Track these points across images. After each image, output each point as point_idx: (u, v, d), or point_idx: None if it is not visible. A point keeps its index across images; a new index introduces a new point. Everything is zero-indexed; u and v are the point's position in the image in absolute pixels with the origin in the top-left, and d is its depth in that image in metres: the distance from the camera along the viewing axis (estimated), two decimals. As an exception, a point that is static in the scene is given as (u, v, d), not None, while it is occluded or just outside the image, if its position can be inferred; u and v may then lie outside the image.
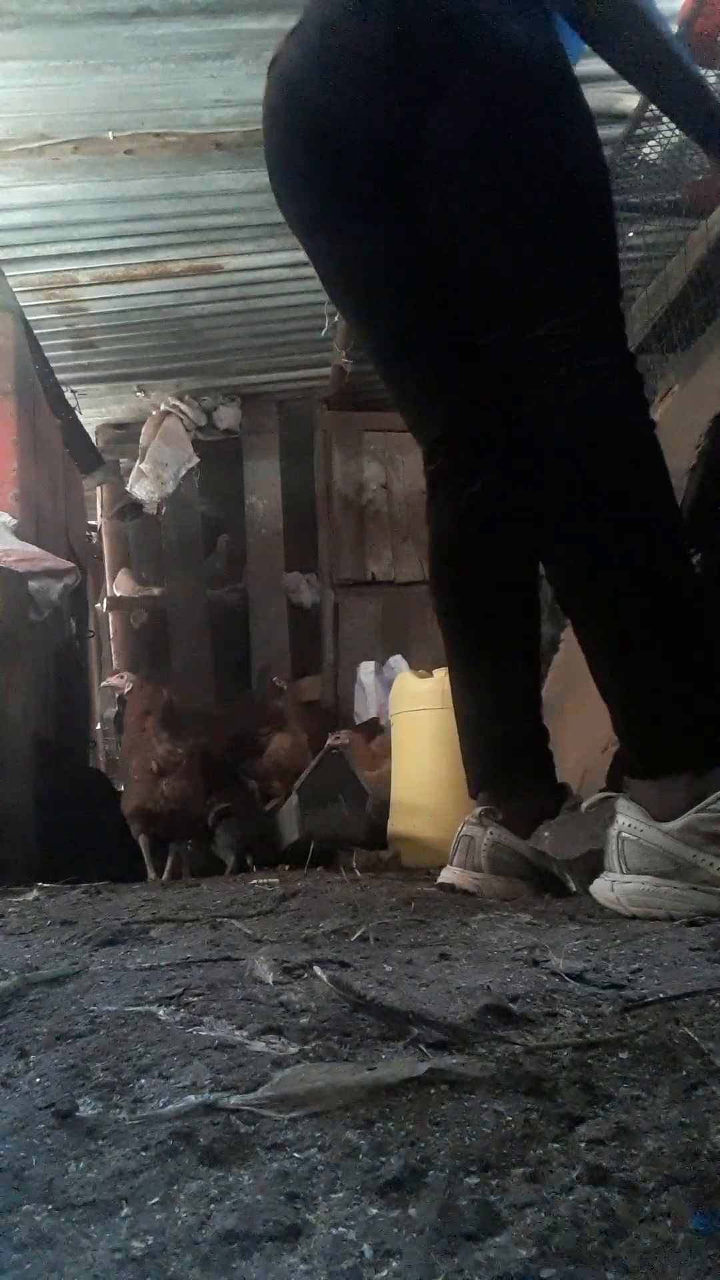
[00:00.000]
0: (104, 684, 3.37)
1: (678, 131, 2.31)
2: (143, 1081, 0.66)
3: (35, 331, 4.31)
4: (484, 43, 1.35)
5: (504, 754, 1.63)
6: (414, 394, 1.66)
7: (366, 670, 4.59)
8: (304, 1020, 0.77)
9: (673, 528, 1.35)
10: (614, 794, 1.41)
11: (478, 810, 1.61)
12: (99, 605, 5.72)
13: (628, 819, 1.27)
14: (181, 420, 5.17)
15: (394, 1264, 0.43)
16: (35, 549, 3.59)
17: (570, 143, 1.37)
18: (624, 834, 1.27)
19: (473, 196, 1.38)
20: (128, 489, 5.27)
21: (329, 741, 3.13)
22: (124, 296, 4.17)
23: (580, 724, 2.27)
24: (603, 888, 1.28)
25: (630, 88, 1.82)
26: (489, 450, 1.57)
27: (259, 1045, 0.72)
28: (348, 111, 1.43)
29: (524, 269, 1.36)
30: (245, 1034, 0.75)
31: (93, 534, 5.88)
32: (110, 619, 5.66)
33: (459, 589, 1.64)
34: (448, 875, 1.61)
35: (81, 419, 5.09)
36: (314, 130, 1.47)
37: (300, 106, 1.47)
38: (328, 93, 1.44)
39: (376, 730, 3.70)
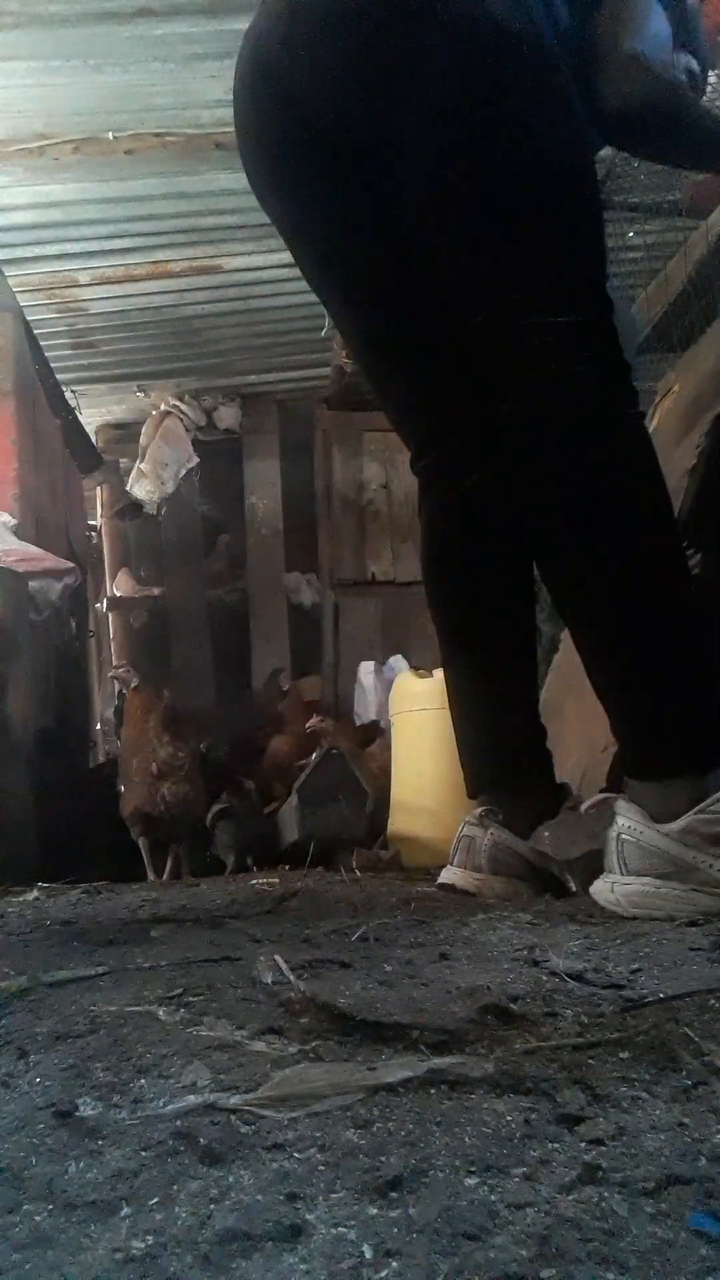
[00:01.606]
0: (111, 674, 3.39)
1: None
2: (143, 1081, 0.66)
3: (35, 331, 4.31)
4: (462, 17, 1.29)
5: (502, 753, 1.63)
6: (400, 392, 1.65)
7: (366, 670, 4.59)
8: (304, 1020, 0.77)
9: (667, 530, 1.34)
10: (613, 794, 1.41)
11: (478, 811, 1.61)
12: (99, 605, 5.72)
13: (627, 820, 1.27)
14: (181, 420, 5.17)
15: (394, 1264, 0.43)
16: (35, 549, 3.59)
17: (555, 130, 1.32)
18: (623, 835, 1.27)
19: (453, 189, 1.33)
20: (128, 489, 5.27)
21: (310, 723, 3.17)
22: (124, 296, 4.17)
23: (580, 724, 2.27)
24: (602, 889, 1.28)
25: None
26: (478, 447, 1.55)
27: (259, 1045, 0.72)
28: (314, 85, 1.37)
29: (510, 266, 1.33)
30: (245, 1034, 0.75)
31: (93, 534, 5.88)
32: (110, 619, 5.66)
33: (452, 586, 1.64)
34: (448, 876, 1.61)
35: (81, 419, 5.09)
36: (280, 105, 1.40)
37: (267, 79, 1.40)
38: (294, 64, 1.37)
39: (376, 732, 3.70)
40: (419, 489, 1.67)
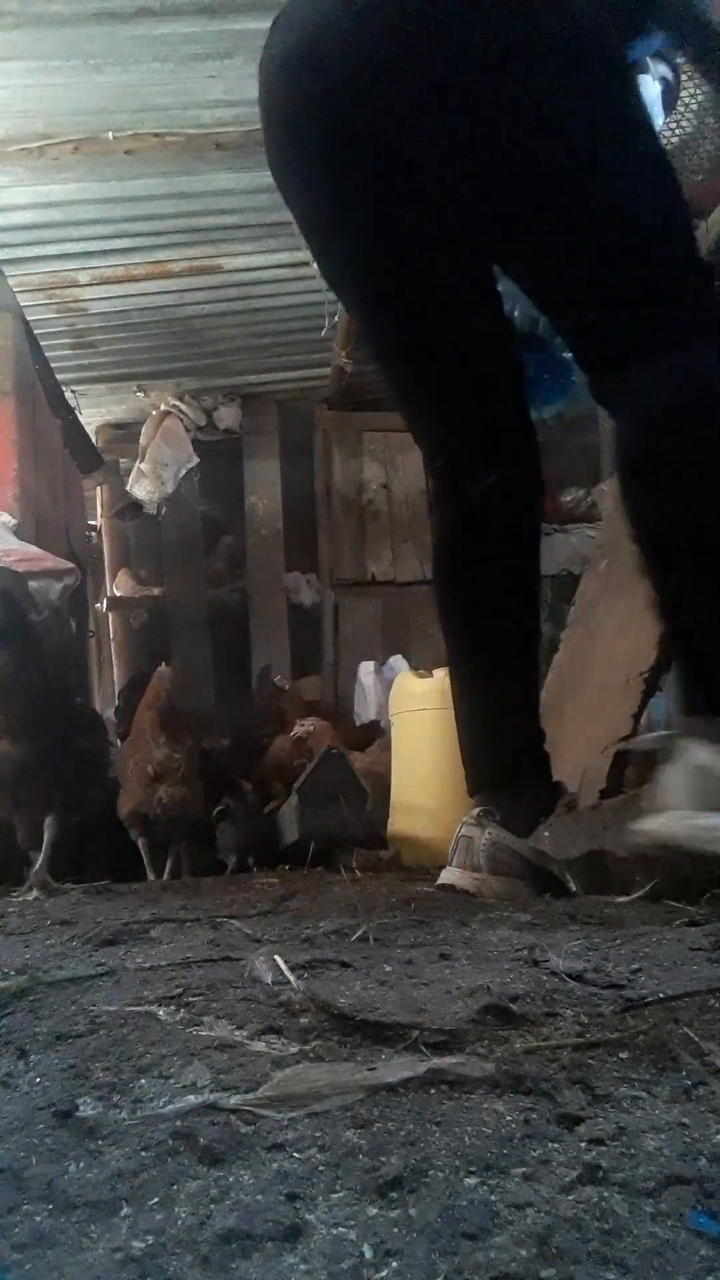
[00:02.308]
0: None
1: (677, 131, 2.31)
2: (143, 1081, 0.66)
3: (35, 331, 4.31)
4: (552, 26, 1.31)
5: (503, 753, 1.63)
6: (412, 393, 1.65)
7: (366, 670, 4.59)
8: (304, 1020, 0.77)
9: None
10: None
11: (475, 810, 1.61)
12: (99, 605, 5.72)
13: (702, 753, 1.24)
14: (181, 420, 5.16)
15: (394, 1264, 0.43)
16: (35, 549, 3.59)
17: (647, 132, 1.38)
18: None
19: (580, 199, 1.36)
20: (128, 489, 5.27)
21: (295, 731, 3.20)
22: (124, 296, 4.16)
23: (580, 724, 2.27)
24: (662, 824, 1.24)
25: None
26: (491, 449, 1.56)
27: (259, 1045, 0.72)
28: (375, 83, 1.34)
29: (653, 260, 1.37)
30: (245, 1034, 0.75)
31: (93, 534, 5.88)
32: (110, 619, 5.66)
33: (457, 587, 1.65)
34: (447, 876, 1.61)
35: (81, 419, 5.09)
36: (329, 99, 1.38)
37: (318, 71, 1.38)
38: (353, 61, 1.34)
39: (376, 732, 3.70)
40: (432, 489, 1.68)
